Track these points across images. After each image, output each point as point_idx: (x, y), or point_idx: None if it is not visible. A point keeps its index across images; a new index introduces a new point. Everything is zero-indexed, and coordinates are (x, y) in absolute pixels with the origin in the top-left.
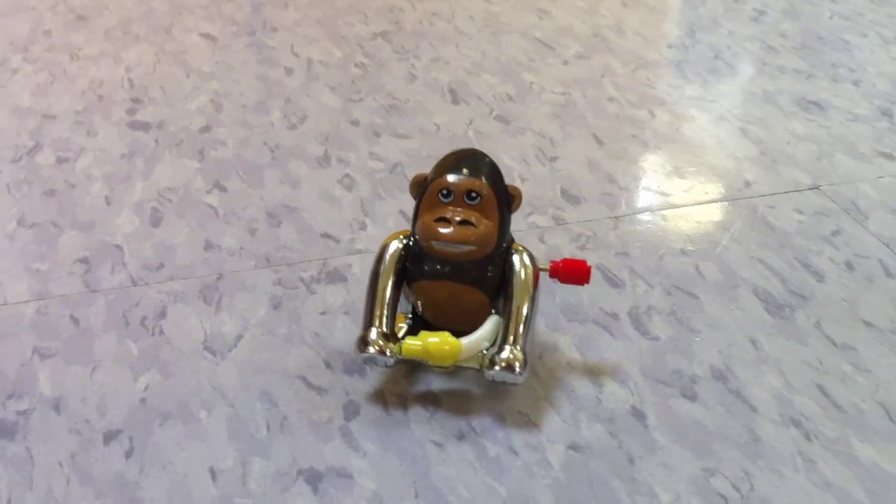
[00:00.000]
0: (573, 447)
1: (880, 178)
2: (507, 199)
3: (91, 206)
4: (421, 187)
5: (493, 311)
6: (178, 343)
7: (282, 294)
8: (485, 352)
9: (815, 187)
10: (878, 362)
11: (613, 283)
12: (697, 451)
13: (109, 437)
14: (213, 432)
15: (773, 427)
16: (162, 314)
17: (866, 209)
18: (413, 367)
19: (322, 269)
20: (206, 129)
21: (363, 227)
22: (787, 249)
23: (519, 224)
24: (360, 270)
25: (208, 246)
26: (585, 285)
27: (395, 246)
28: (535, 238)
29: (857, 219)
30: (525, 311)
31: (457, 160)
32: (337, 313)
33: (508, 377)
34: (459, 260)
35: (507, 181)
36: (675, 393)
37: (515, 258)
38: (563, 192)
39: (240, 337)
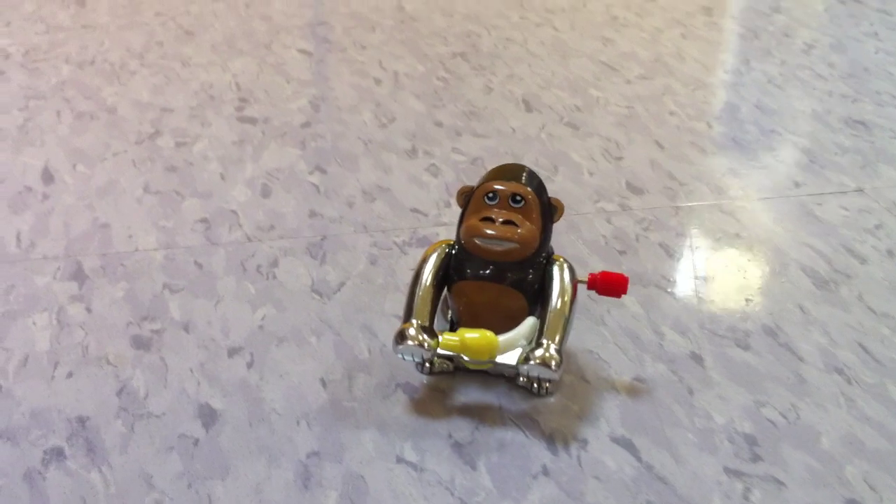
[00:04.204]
0: (638, 379)
1: None
2: (549, 210)
3: (208, 180)
4: (467, 197)
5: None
6: (290, 286)
7: (378, 253)
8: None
9: (858, 190)
10: None
11: (673, 256)
12: (750, 387)
13: (233, 351)
14: (322, 353)
15: (818, 373)
16: (274, 264)
17: None
18: None
19: (412, 236)
20: (306, 124)
21: (448, 205)
22: (833, 238)
23: (588, 208)
24: (447, 237)
25: (312, 214)
26: (623, 296)
27: (438, 250)
28: (602, 220)
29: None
30: (564, 314)
31: (502, 171)
32: None
33: (544, 372)
34: (501, 260)
35: (575, 177)
36: (730, 343)
37: (555, 268)
38: (628, 184)
39: (342, 284)
